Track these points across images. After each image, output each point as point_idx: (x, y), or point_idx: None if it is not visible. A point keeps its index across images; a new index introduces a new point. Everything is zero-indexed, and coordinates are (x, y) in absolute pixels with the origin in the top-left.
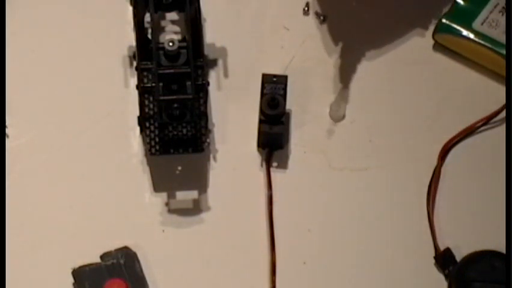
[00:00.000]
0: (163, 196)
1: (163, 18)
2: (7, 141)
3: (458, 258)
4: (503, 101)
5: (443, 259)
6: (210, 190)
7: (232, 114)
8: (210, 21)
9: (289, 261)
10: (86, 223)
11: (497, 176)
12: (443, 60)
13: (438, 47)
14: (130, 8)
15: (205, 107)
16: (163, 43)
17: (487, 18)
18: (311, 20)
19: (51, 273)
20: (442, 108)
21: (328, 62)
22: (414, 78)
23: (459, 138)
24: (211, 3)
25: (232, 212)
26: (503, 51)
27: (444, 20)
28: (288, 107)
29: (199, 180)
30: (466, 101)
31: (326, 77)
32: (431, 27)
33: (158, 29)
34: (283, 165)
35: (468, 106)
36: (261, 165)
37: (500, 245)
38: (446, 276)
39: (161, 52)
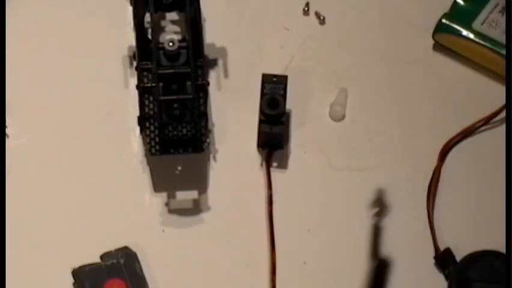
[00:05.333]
0: (163, 196)
1: (163, 18)
2: (7, 141)
3: (458, 258)
4: (503, 101)
5: (443, 259)
6: (210, 190)
7: (232, 114)
8: (210, 21)
9: (289, 261)
10: (86, 223)
11: (497, 176)
12: (443, 60)
13: (438, 47)
14: (130, 8)
15: (205, 107)
16: (163, 43)
17: (487, 18)
18: (311, 20)
19: (51, 273)
20: (442, 108)
21: (328, 62)
22: (414, 78)
23: (459, 138)
24: (211, 3)
25: (232, 212)
26: (503, 51)
27: (444, 20)
28: (288, 107)
29: (199, 180)
30: (466, 101)
31: (326, 77)
32: (431, 27)
33: (158, 29)
34: (283, 165)
35: (468, 106)
36: (261, 165)
37: (500, 245)
38: (446, 276)
39: (161, 52)
